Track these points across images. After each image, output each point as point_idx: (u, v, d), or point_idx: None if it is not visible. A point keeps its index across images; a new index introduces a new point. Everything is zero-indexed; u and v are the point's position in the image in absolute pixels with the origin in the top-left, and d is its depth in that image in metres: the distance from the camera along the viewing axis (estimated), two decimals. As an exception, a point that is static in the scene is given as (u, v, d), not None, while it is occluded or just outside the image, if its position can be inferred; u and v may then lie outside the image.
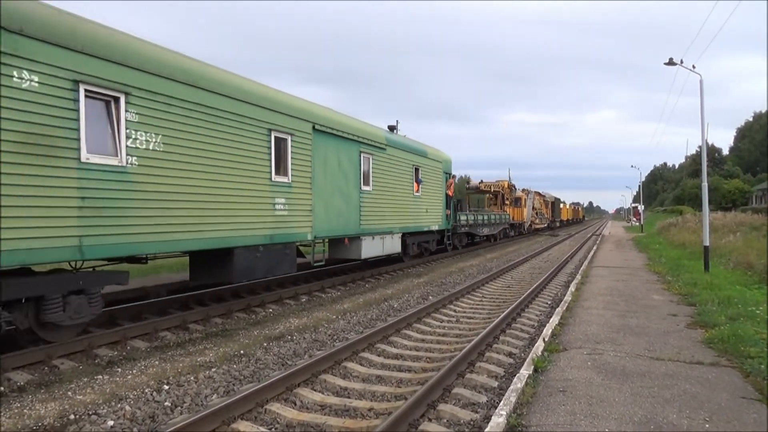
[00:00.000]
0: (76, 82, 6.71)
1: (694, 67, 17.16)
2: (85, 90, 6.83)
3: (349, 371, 6.79)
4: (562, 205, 70.30)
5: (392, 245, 16.28)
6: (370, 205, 14.61)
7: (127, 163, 7.38)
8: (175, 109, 8.18)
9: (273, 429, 5.09)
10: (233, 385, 6.18)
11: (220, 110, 9.08)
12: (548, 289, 13.82)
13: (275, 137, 10.51)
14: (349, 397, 5.92)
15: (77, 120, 6.72)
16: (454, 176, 23.44)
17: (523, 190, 41.97)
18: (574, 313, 9.58)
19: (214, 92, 8.96)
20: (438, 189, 20.21)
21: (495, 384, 6.22)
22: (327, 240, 13.46)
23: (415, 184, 17.90)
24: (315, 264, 12.82)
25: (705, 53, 77.61)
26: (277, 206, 10.59)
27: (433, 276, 16.20)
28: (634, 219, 64.10)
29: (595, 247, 27.40)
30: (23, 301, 6.75)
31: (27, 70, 6.17)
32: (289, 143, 10.96)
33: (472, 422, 5.14)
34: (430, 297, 12.30)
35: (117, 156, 7.26)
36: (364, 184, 14.28)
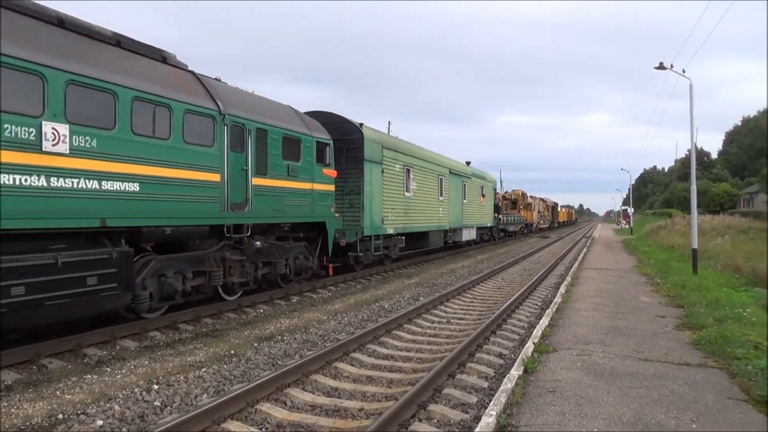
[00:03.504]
0: (404, 166, 17.48)
1: (684, 71, 17.32)
2: (405, 168, 17.53)
3: (339, 371, 6.79)
4: (559, 209, 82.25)
5: (473, 234, 26.78)
6: (466, 210, 25.21)
7: (410, 195, 17.89)
8: (418, 170, 18.88)
9: (263, 429, 5.09)
10: (223, 385, 6.17)
11: (424, 168, 19.52)
12: (538, 290, 13.88)
13: (439, 178, 21.29)
14: (339, 398, 5.93)
15: (404, 180, 17.39)
16: (498, 192, 36.24)
17: (531, 197, 51.84)
18: (564, 315, 9.64)
19: (424, 160, 19.69)
20: (490, 199, 30.95)
21: (485, 384, 6.25)
22: (451, 229, 22.92)
23: (481, 197, 28.37)
24: (448, 241, 23.36)
25: (695, 57, 78.47)
26: (440, 211, 21.21)
27: (424, 277, 16.25)
28: (624, 222, 64.61)
29: (585, 249, 27.56)
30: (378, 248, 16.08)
31: (397, 164, 16.91)
32: (443, 181, 21.68)
33: (462, 422, 5.17)
34: (421, 298, 12.32)
35: (409, 192, 17.84)
36: (463, 199, 24.82)
